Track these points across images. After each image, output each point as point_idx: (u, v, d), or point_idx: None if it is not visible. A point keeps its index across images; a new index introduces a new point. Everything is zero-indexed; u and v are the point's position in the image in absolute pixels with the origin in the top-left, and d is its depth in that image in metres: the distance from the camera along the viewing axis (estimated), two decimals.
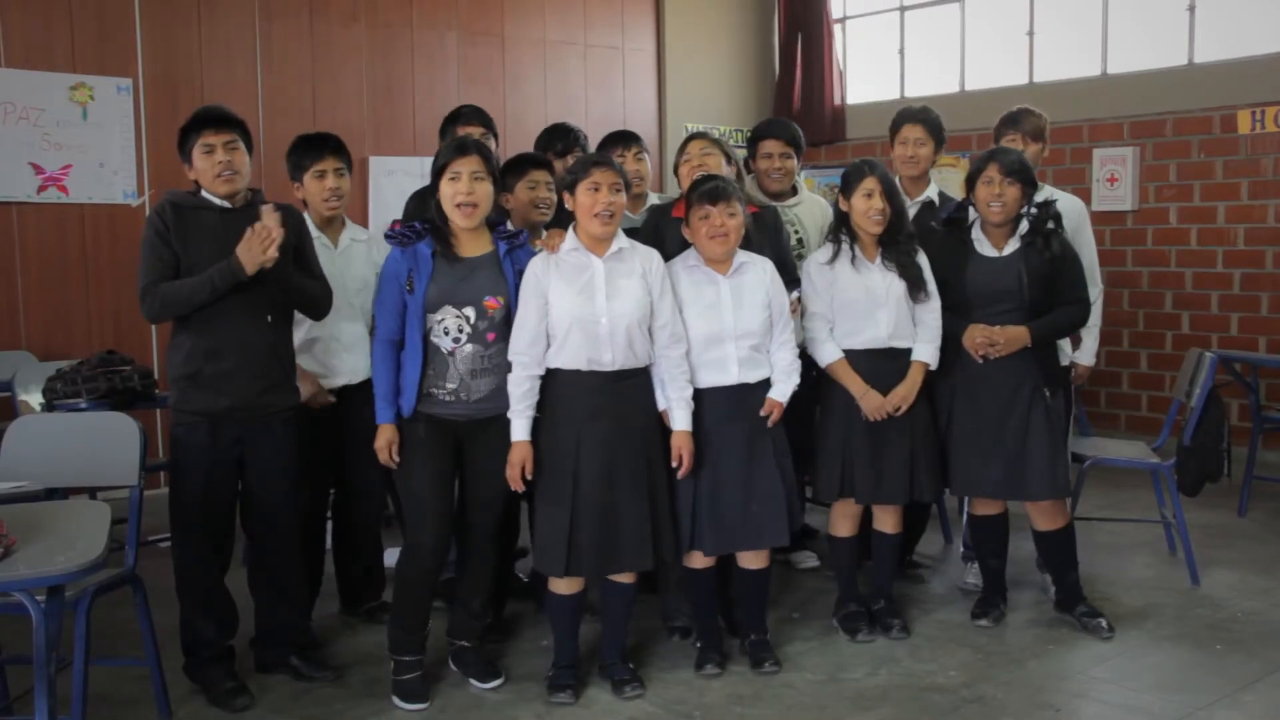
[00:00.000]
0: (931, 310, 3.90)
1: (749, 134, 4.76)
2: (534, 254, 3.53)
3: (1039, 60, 7.56)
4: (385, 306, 3.44)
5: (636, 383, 3.52)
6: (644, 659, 3.84)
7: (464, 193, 3.37)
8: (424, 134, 7.24)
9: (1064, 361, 4.27)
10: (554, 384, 3.45)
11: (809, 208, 4.59)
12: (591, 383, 3.43)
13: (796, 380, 3.68)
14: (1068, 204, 4.36)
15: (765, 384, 3.67)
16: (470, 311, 3.41)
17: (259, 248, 3.37)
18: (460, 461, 3.55)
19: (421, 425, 3.44)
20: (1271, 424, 5.73)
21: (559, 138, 4.54)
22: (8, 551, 2.58)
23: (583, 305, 3.40)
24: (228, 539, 3.63)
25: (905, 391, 3.84)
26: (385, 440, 3.44)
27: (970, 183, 3.99)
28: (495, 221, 3.55)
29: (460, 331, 3.40)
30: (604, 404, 3.44)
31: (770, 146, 4.50)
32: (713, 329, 3.58)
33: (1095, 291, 4.43)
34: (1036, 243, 3.93)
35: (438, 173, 3.43)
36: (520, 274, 3.47)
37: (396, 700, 3.52)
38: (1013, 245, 3.96)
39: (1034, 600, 4.35)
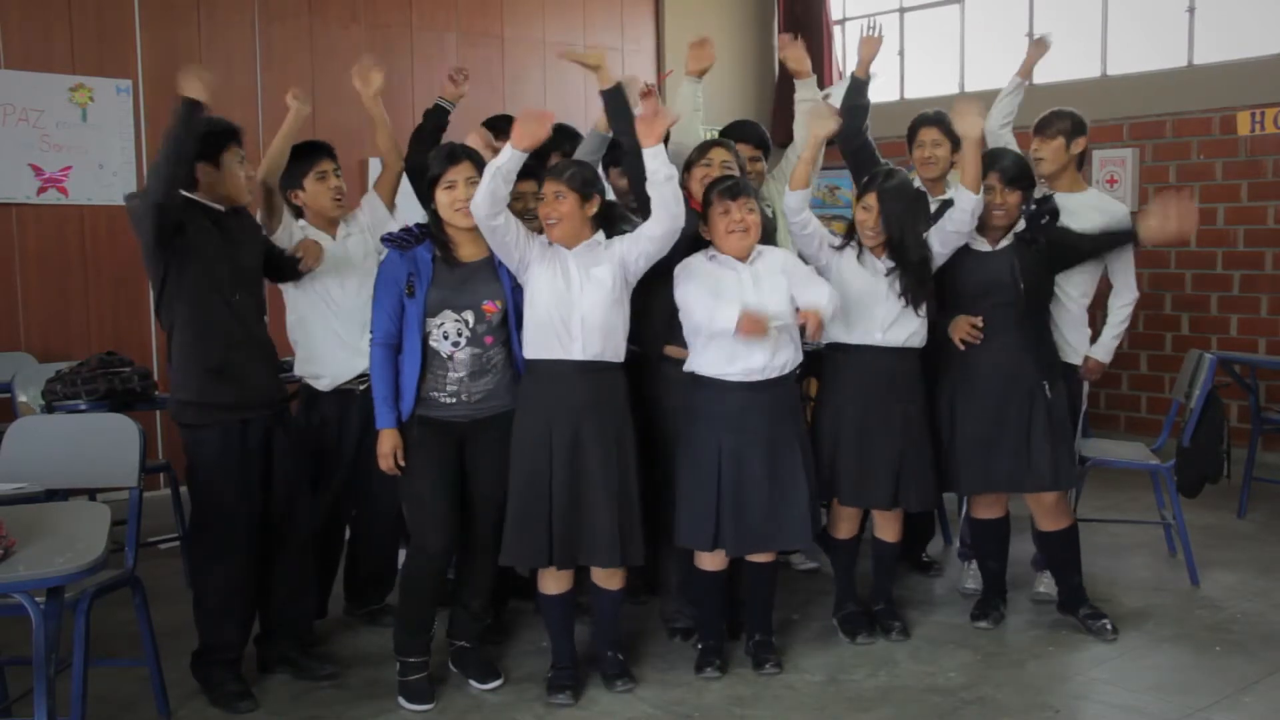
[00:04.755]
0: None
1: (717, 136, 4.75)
2: None
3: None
4: (383, 310, 3.45)
5: (608, 378, 3.52)
6: (644, 660, 3.85)
7: (462, 199, 3.41)
8: None
9: (1074, 359, 4.24)
10: (526, 375, 3.51)
11: (780, 184, 4.57)
12: (563, 372, 3.45)
13: (837, 301, 3.61)
14: (1108, 208, 4.34)
15: (790, 377, 3.67)
16: (469, 315, 3.44)
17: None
18: (462, 462, 3.55)
19: (422, 428, 3.45)
20: (1271, 425, 5.73)
21: (566, 139, 4.52)
22: (7, 553, 2.58)
23: (561, 295, 3.44)
24: (254, 538, 3.61)
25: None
26: (390, 446, 3.44)
27: None
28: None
29: (459, 335, 3.42)
30: (571, 396, 3.45)
31: (739, 150, 4.49)
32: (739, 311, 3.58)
33: (1130, 297, 4.40)
34: (1027, 237, 3.95)
35: (432, 182, 3.44)
36: (515, 278, 3.52)
37: (402, 701, 3.53)
38: (1005, 241, 3.97)
39: (1033, 602, 4.35)
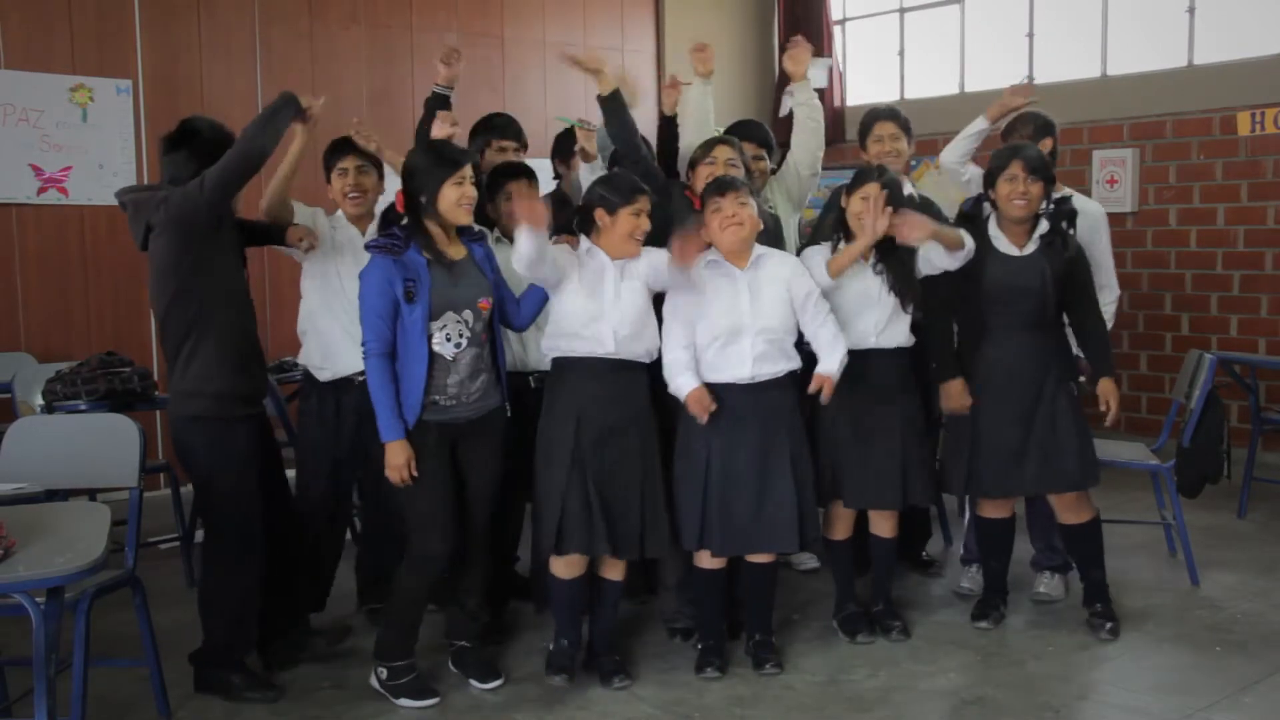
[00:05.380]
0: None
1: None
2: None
3: (1039, 62, 7.55)
4: (380, 318, 3.36)
5: (635, 376, 3.59)
6: (644, 660, 3.85)
7: (470, 196, 3.43)
8: None
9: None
10: (556, 371, 3.60)
11: (782, 186, 4.59)
12: (588, 369, 3.53)
13: (843, 351, 3.67)
14: (1086, 208, 4.35)
15: (781, 381, 3.68)
16: (469, 315, 3.43)
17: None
18: (455, 464, 3.54)
19: (426, 434, 3.41)
20: (1271, 425, 5.73)
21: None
22: (7, 553, 2.59)
23: (594, 303, 3.52)
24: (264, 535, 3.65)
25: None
26: (405, 458, 3.36)
27: (990, 179, 3.96)
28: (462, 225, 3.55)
29: (461, 336, 3.41)
30: (600, 392, 3.53)
31: (744, 149, 4.50)
32: (730, 323, 3.60)
33: (1112, 296, 4.46)
34: (1055, 242, 3.92)
35: (441, 180, 3.40)
36: (497, 272, 3.55)
37: (406, 701, 3.52)
38: (1032, 244, 3.94)
39: (1033, 602, 4.35)
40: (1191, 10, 6.85)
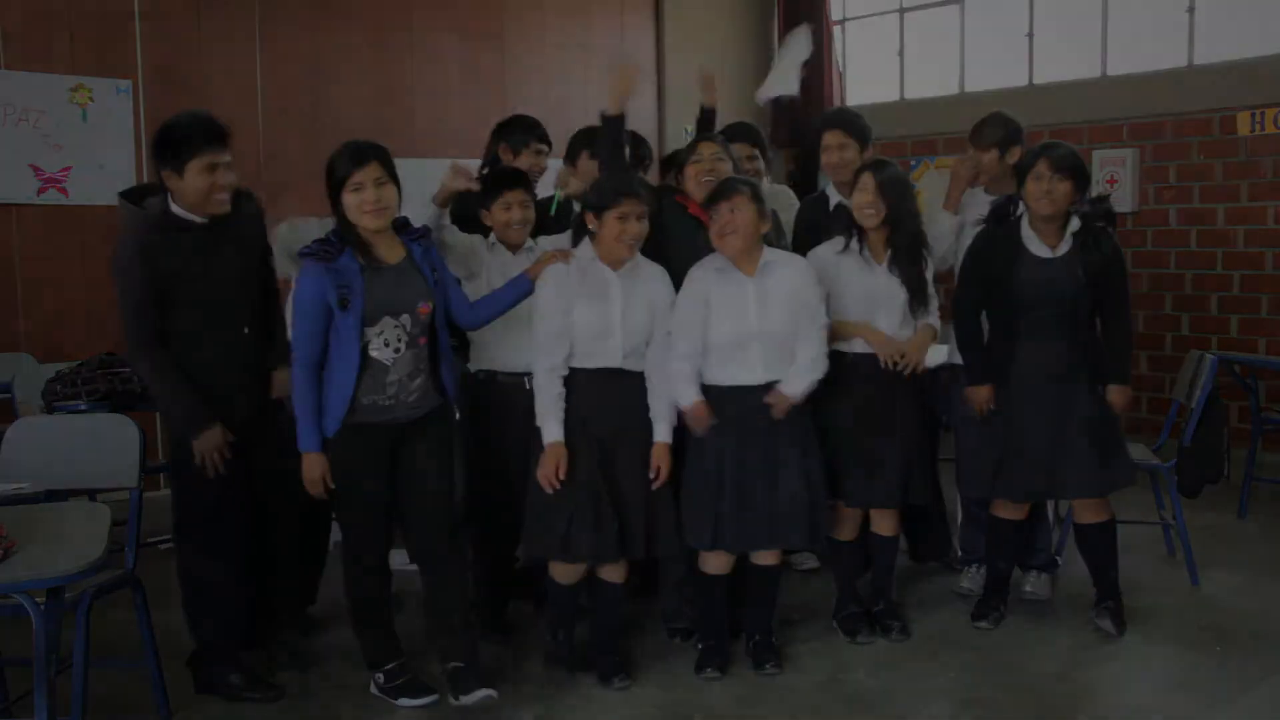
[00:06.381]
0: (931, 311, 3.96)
1: None
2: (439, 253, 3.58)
3: (1038, 62, 7.55)
4: (311, 328, 3.29)
5: (637, 381, 3.61)
6: (644, 661, 3.85)
7: (371, 201, 3.29)
8: (424, 136, 7.23)
9: None
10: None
11: (778, 199, 4.58)
12: (594, 379, 3.53)
13: (814, 378, 3.64)
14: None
15: None
16: (406, 319, 3.36)
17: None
18: (395, 466, 3.46)
19: (357, 437, 3.35)
20: (1271, 425, 5.73)
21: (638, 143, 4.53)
22: (7, 553, 2.59)
23: (601, 319, 3.52)
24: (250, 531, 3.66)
25: (910, 347, 3.84)
26: (320, 472, 3.32)
27: (1020, 177, 3.94)
28: (401, 224, 3.47)
29: (399, 341, 3.34)
30: (606, 399, 3.55)
31: (736, 150, 4.48)
32: (739, 330, 3.60)
33: None
34: (1089, 242, 3.89)
35: (339, 185, 3.31)
36: (435, 272, 3.46)
37: (405, 701, 3.50)
38: (1065, 245, 3.90)
39: (1033, 602, 4.35)
40: (1191, 10, 6.84)
